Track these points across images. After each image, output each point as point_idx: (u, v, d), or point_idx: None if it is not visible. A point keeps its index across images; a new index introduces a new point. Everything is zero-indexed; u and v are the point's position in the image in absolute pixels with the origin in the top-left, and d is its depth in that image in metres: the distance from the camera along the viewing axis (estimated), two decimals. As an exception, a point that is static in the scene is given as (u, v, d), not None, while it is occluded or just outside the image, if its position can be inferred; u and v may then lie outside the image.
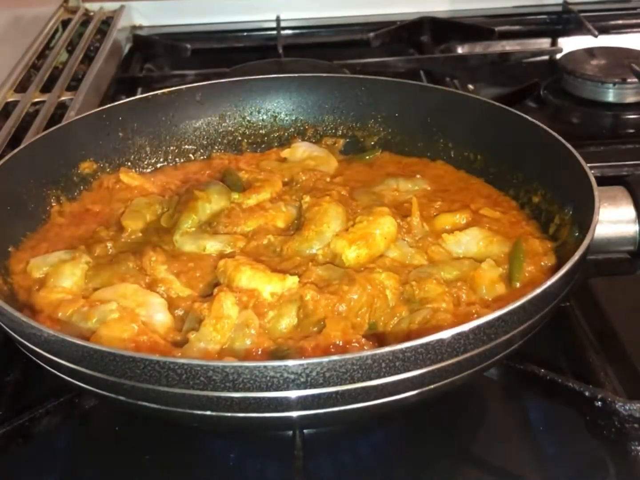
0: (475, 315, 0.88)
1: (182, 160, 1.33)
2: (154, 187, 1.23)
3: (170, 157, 1.34)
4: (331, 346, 0.85)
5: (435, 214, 1.11)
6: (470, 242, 1.03)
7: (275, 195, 1.17)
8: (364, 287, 0.93)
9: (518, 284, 0.96)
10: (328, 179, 1.22)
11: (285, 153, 1.31)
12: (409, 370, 0.72)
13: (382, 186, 1.19)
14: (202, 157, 1.35)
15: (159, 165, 1.33)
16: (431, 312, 0.89)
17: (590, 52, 1.75)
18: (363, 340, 0.87)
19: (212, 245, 1.05)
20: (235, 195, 1.14)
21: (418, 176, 1.22)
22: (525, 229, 1.07)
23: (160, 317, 0.93)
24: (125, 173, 1.24)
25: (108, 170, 1.26)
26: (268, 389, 0.71)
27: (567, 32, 2.12)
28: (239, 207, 1.12)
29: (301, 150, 1.31)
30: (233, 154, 1.36)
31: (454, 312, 0.90)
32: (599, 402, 0.86)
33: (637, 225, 1.01)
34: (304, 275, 0.96)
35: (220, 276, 0.97)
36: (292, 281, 0.94)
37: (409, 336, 0.87)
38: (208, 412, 0.74)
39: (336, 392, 0.72)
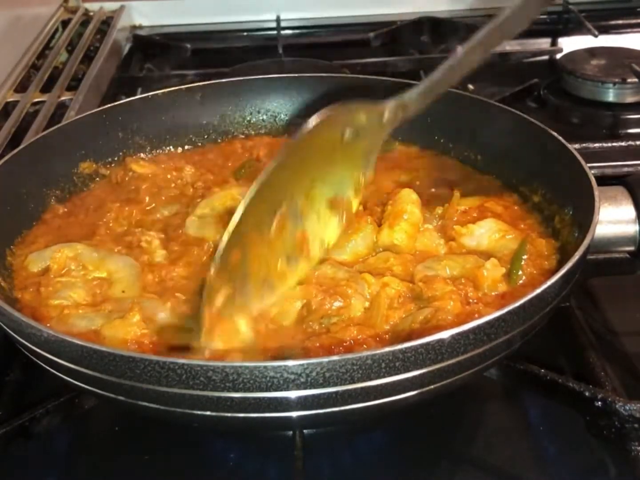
0: (477, 315, 0.88)
1: (181, 162, 1.31)
2: (166, 174, 1.23)
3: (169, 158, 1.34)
4: (333, 346, 0.86)
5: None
6: (483, 235, 1.03)
7: None
8: (370, 287, 0.93)
9: (516, 284, 0.96)
10: None
11: None
12: (409, 370, 0.72)
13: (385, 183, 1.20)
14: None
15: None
16: (432, 311, 0.89)
17: (590, 52, 1.75)
18: (369, 339, 0.87)
19: (213, 236, 1.06)
20: None
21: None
22: (526, 224, 1.08)
23: (162, 315, 0.93)
24: (134, 162, 1.24)
25: (105, 170, 1.26)
26: (268, 389, 0.71)
27: (567, 32, 2.11)
28: None
29: None
30: (252, 138, 1.37)
31: (457, 312, 0.90)
32: (599, 402, 0.86)
33: (637, 225, 1.01)
34: (308, 273, 0.96)
35: None
36: None
37: (410, 336, 0.87)
38: (208, 412, 0.74)
39: (336, 393, 0.72)
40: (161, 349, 0.88)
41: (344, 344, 0.86)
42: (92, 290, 0.98)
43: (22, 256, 1.04)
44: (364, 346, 0.86)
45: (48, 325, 0.92)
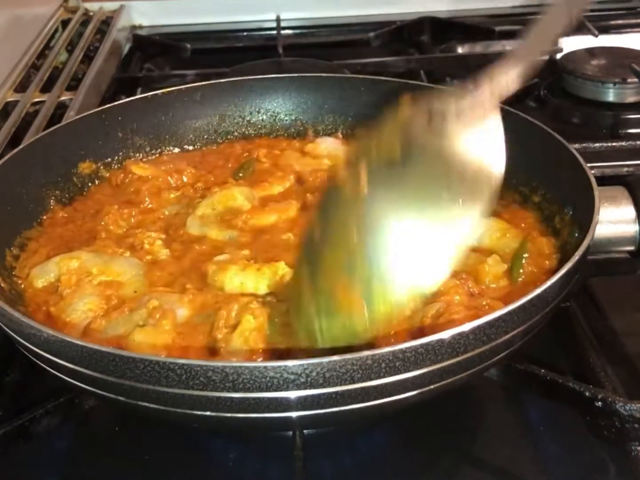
0: (487, 308, 0.89)
1: (182, 163, 1.30)
2: (166, 175, 1.23)
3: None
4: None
5: None
6: (484, 233, 1.03)
7: (284, 190, 1.20)
8: None
9: (517, 283, 0.96)
10: None
11: (308, 148, 1.32)
12: (409, 370, 0.72)
13: None
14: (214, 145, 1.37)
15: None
16: (444, 305, 0.89)
17: (590, 52, 1.75)
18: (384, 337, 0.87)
19: (216, 235, 1.08)
20: (255, 203, 1.16)
21: None
22: (526, 223, 1.08)
23: (181, 312, 0.93)
24: (134, 164, 1.24)
25: (104, 172, 1.26)
26: (268, 390, 0.71)
27: (567, 32, 2.11)
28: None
29: (322, 146, 1.32)
30: (252, 140, 1.37)
31: (467, 305, 0.90)
32: (599, 403, 0.86)
33: (637, 225, 1.01)
34: None
35: (210, 280, 0.97)
36: (281, 268, 0.95)
37: (422, 331, 0.87)
38: (208, 413, 0.74)
39: (336, 393, 0.72)
40: (190, 352, 0.87)
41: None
42: (103, 294, 0.97)
43: (25, 268, 1.03)
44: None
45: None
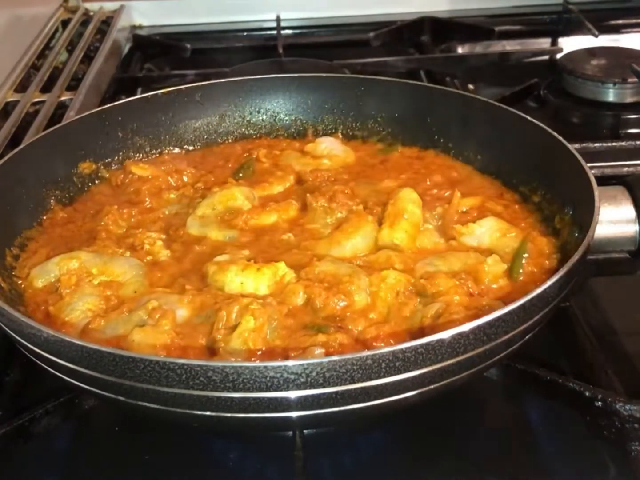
0: (487, 308, 0.89)
1: (182, 164, 1.31)
2: (166, 176, 1.23)
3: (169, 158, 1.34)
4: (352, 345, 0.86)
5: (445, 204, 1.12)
6: (484, 233, 1.04)
7: (284, 190, 1.21)
8: (372, 284, 0.94)
9: (517, 282, 0.96)
10: (333, 179, 1.23)
11: (308, 147, 1.33)
12: (409, 370, 0.72)
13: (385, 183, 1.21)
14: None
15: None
16: (443, 306, 0.90)
17: (591, 52, 1.75)
18: (386, 336, 0.87)
19: (216, 235, 1.08)
20: (255, 203, 1.16)
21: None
22: (527, 223, 1.08)
23: (181, 312, 0.93)
24: (134, 164, 1.24)
25: (105, 172, 1.26)
26: (268, 389, 0.71)
27: (567, 32, 2.12)
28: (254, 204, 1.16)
29: (322, 146, 1.32)
30: (252, 140, 1.37)
31: (467, 305, 0.90)
32: (600, 402, 0.86)
33: (637, 225, 1.01)
34: (308, 270, 0.97)
35: (210, 280, 0.97)
36: (281, 268, 0.95)
37: (422, 331, 0.88)
38: (208, 413, 0.74)
39: (336, 393, 0.72)
40: (189, 353, 0.87)
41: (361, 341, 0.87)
42: (103, 294, 0.97)
43: (25, 268, 1.03)
44: (382, 343, 0.86)
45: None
